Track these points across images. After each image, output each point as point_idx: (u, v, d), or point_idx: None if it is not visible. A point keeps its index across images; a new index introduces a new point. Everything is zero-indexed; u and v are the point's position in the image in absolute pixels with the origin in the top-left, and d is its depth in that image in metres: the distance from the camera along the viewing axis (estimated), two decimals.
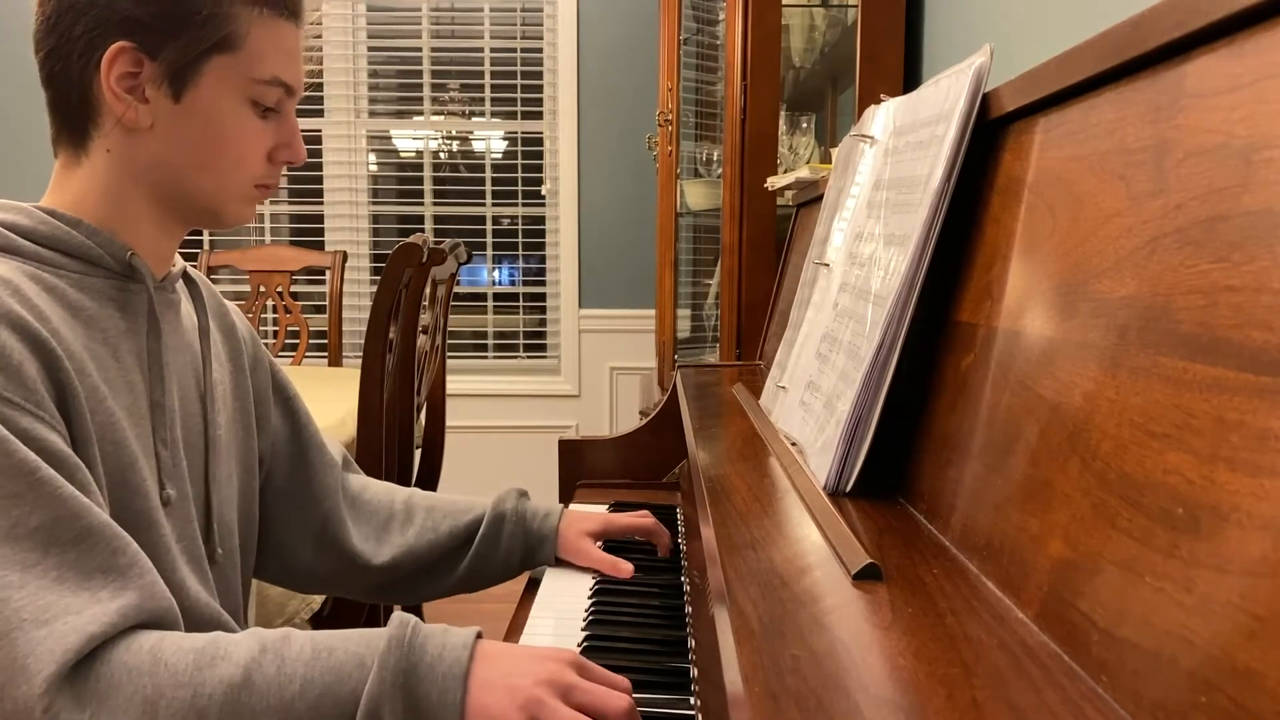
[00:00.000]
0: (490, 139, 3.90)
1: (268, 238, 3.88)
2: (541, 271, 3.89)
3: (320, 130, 3.78)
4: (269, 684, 0.69)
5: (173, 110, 0.84)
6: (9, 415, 0.71)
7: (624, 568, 1.09)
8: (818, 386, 0.95)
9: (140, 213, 0.87)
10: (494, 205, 3.87)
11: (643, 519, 1.18)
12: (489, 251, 3.89)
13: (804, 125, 2.29)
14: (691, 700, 0.81)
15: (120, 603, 0.70)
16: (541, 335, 3.91)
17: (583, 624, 0.97)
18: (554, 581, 1.10)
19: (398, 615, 0.74)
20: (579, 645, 0.91)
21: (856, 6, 1.81)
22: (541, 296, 3.89)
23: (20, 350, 0.72)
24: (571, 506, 1.43)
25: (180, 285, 0.97)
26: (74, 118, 0.86)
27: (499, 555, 1.12)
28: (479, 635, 0.74)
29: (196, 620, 0.88)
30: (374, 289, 1.76)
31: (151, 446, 0.86)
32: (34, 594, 0.67)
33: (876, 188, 0.96)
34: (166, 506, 0.87)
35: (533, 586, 1.11)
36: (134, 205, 0.87)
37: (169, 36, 0.83)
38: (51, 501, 0.70)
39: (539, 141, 3.83)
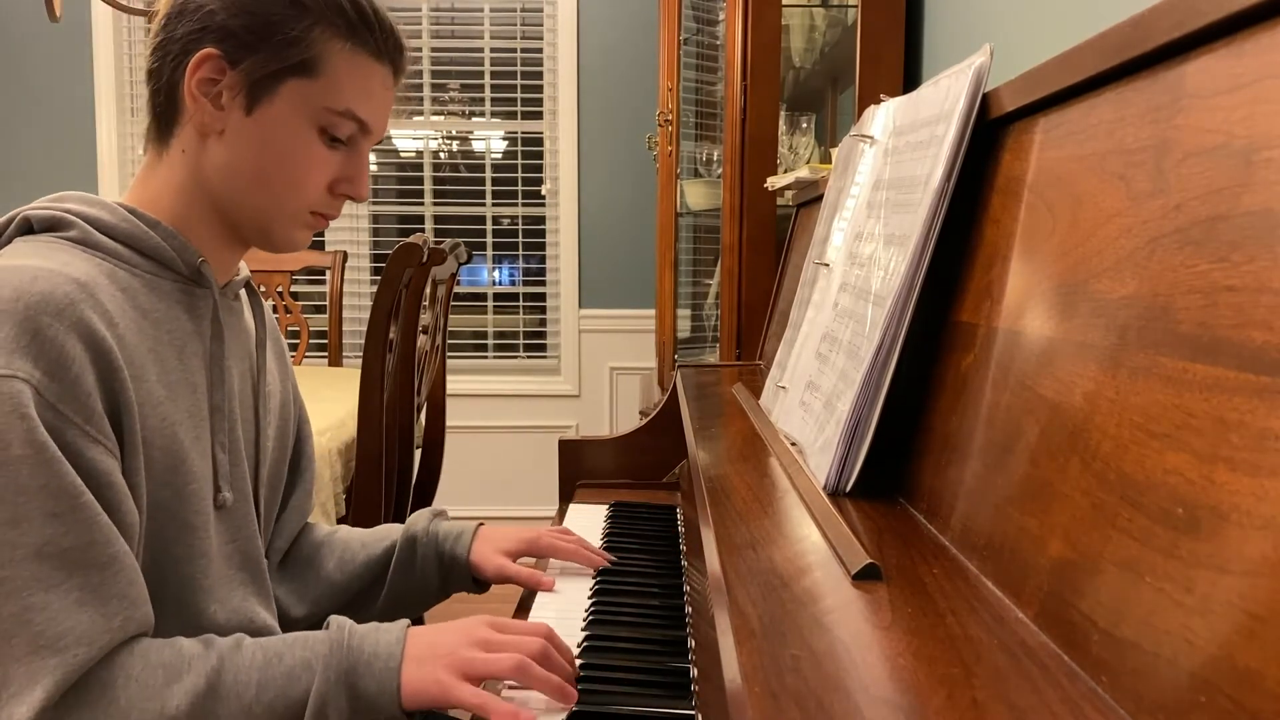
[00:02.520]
0: (490, 139, 3.90)
1: None
2: (541, 271, 3.89)
3: None
4: (229, 691, 0.76)
5: (243, 121, 0.86)
6: (61, 431, 0.73)
7: (545, 582, 1.06)
8: (818, 386, 0.95)
9: (205, 218, 0.90)
10: (494, 205, 3.87)
11: (567, 544, 1.12)
12: (489, 251, 3.89)
13: (804, 125, 2.29)
14: (692, 700, 0.81)
15: (125, 633, 0.75)
16: (541, 335, 3.91)
17: (583, 624, 0.97)
18: (555, 573, 1.10)
19: (334, 619, 0.83)
20: (579, 645, 0.91)
21: (856, 6, 1.81)
22: (541, 296, 3.89)
23: (81, 359, 0.74)
24: (571, 507, 1.44)
25: (243, 294, 0.99)
26: (161, 115, 0.89)
27: (415, 580, 1.09)
28: (408, 625, 0.83)
29: (230, 626, 0.89)
30: (374, 289, 1.76)
31: (209, 449, 0.88)
32: (54, 617, 0.71)
33: (876, 188, 0.96)
34: (220, 510, 0.89)
35: None
36: (200, 209, 0.89)
37: (251, 50, 0.85)
38: (89, 526, 0.73)
39: (539, 141, 3.83)
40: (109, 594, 0.74)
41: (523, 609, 1.04)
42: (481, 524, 1.13)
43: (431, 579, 1.09)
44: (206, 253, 0.90)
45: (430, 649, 0.80)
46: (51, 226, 0.84)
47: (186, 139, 0.88)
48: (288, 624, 1.08)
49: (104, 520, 0.74)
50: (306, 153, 0.88)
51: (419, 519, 1.12)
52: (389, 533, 1.12)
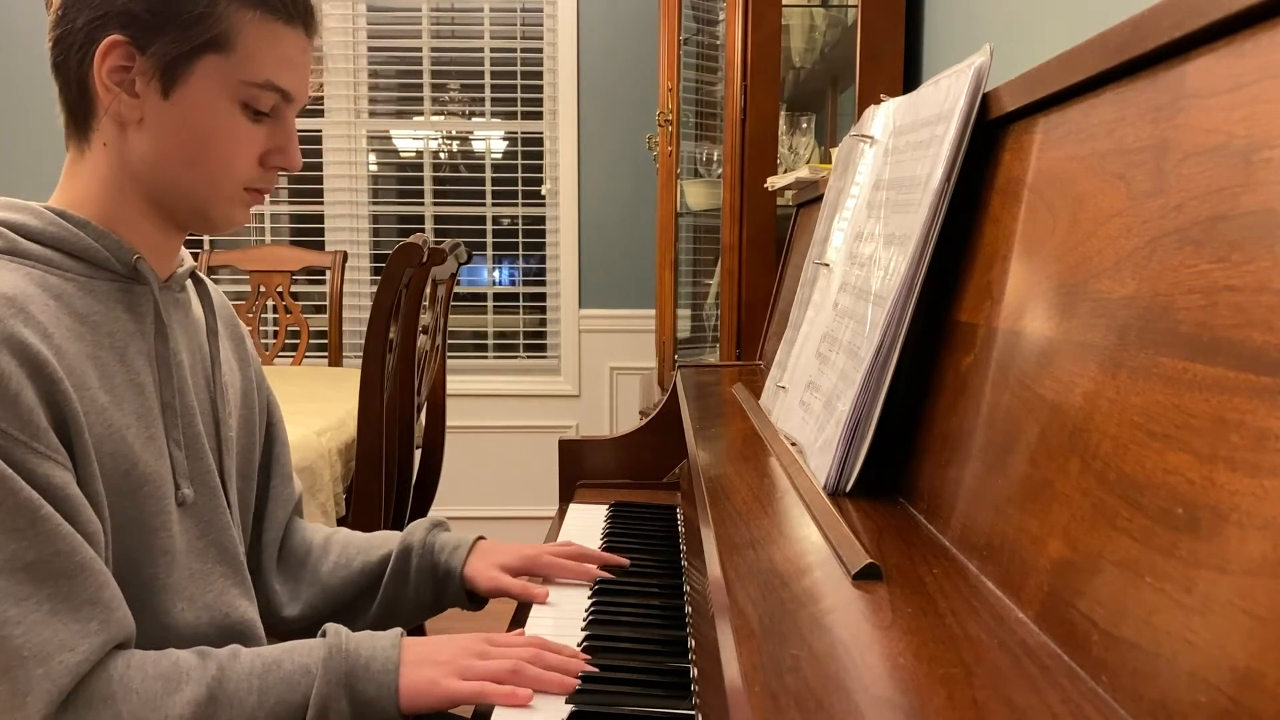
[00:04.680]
0: (490, 139, 3.90)
1: (268, 238, 3.88)
2: (541, 271, 3.89)
3: (320, 130, 3.78)
4: (230, 699, 0.77)
5: (161, 106, 0.84)
6: (8, 450, 0.72)
7: (538, 594, 1.03)
8: (818, 386, 0.95)
9: (138, 210, 0.87)
10: (494, 205, 3.87)
11: (569, 565, 1.08)
12: (489, 251, 3.89)
13: (804, 125, 2.29)
14: (692, 700, 0.81)
15: (104, 637, 0.75)
16: (541, 335, 3.91)
17: (583, 624, 0.97)
18: (553, 583, 1.10)
19: (330, 627, 0.85)
20: (579, 645, 0.91)
21: (856, 6, 1.81)
22: (541, 296, 3.89)
23: (18, 376, 0.73)
24: (571, 507, 1.44)
25: (189, 285, 0.97)
26: (76, 109, 0.86)
27: (409, 591, 1.07)
28: (402, 632, 0.85)
29: (201, 623, 0.88)
30: (374, 289, 1.76)
31: (164, 448, 0.87)
32: (31, 629, 0.71)
33: (876, 188, 0.96)
34: (184, 506, 0.88)
35: None
36: (132, 202, 0.87)
37: (159, 32, 0.82)
38: (51, 537, 0.73)
39: (539, 141, 3.83)
40: (80, 600, 0.73)
41: (522, 610, 1.04)
42: (481, 538, 1.11)
43: (425, 592, 1.08)
44: (143, 247, 0.87)
45: (426, 654, 0.82)
46: None
47: (106, 131, 0.85)
48: (280, 622, 1.07)
49: (66, 530, 0.73)
50: (231, 130, 0.86)
51: (417, 529, 1.10)
52: (386, 540, 1.11)
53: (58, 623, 0.72)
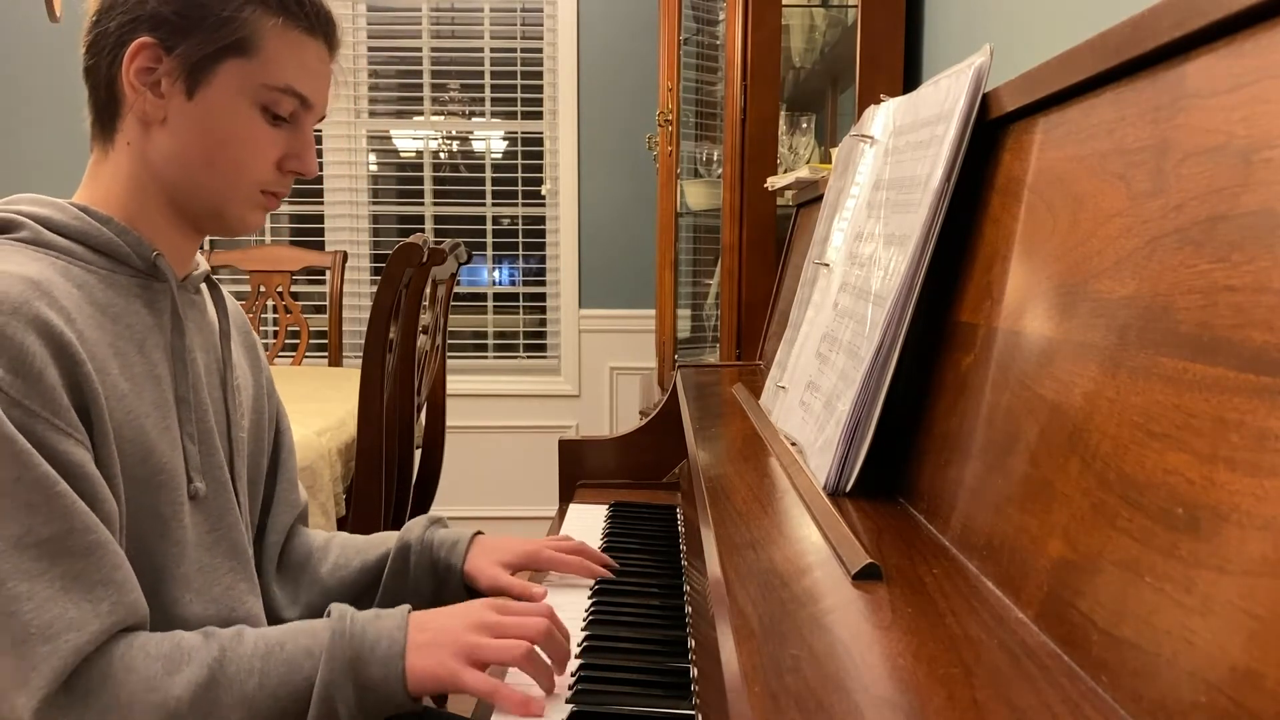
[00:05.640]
0: (490, 139, 3.90)
1: (268, 238, 3.88)
2: (541, 271, 3.89)
3: (320, 130, 3.78)
4: (231, 681, 0.77)
5: (185, 106, 0.87)
6: (30, 426, 0.73)
7: (535, 593, 1.02)
8: (818, 386, 0.95)
9: (158, 209, 0.90)
10: (494, 205, 3.87)
11: (569, 559, 1.08)
12: (489, 251, 3.89)
13: (804, 125, 2.29)
14: (692, 700, 0.81)
15: (115, 619, 0.75)
16: (541, 335, 3.91)
17: (583, 624, 0.97)
18: (553, 581, 1.10)
19: (335, 607, 0.84)
20: (579, 645, 0.91)
21: (856, 6, 1.81)
22: (541, 296, 3.89)
23: (42, 355, 0.75)
24: (571, 507, 1.44)
25: (204, 289, 0.99)
26: (103, 111, 0.89)
27: (409, 588, 1.07)
28: (409, 610, 0.83)
29: (207, 615, 0.89)
30: (374, 289, 1.76)
31: (179, 440, 0.88)
32: (40, 606, 0.72)
33: (876, 188, 0.96)
34: (194, 501, 0.89)
35: None
36: (152, 201, 0.89)
37: (185, 34, 0.85)
38: (67, 514, 0.74)
39: (539, 141, 3.83)
40: (93, 580, 0.74)
41: None
42: (479, 533, 1.11)
43: (424, 588, 1.08)
44: (161, 245, 0.90)
45: (434, 634, 0.81)
46: (2, 229, 0.84)
47: (130, 131, 0.88)
48: (280, 624, 1.07)
49: (82, 508, 0.74)
50: (251, 132, 0.88)
51: (414, 527, 1.11)
52: (385, 540, 1.11)
53: (68, 601, 0.73)
